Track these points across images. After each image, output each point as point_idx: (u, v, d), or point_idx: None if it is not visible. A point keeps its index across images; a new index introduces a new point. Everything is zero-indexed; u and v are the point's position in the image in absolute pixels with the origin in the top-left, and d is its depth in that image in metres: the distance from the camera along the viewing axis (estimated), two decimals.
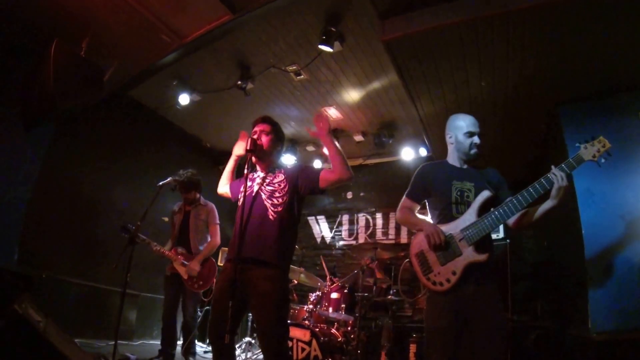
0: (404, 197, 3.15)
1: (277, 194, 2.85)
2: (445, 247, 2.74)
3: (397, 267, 6.79)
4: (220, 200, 3.56)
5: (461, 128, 2.97)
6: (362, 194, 8.46)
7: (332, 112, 6.62)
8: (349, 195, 8.58)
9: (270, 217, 2.77)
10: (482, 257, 2.64)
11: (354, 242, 8.19)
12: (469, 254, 2.67)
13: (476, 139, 2.93)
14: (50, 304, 4.85)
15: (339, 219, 8.56)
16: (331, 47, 4.75)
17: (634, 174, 4.04)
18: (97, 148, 6.01)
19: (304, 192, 2.91)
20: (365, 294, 5.43)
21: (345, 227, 8.47)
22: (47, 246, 5.22)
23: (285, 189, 2.87)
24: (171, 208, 5.37)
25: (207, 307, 6.81)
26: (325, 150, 2.87)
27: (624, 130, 4.17)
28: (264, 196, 2.86)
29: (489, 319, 2.58)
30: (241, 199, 2.77)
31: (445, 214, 2.86)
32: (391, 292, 5.79)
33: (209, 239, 5.09)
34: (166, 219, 6.42)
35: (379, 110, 6.49)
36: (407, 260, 3.15)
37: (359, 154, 8.01)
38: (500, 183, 2.90)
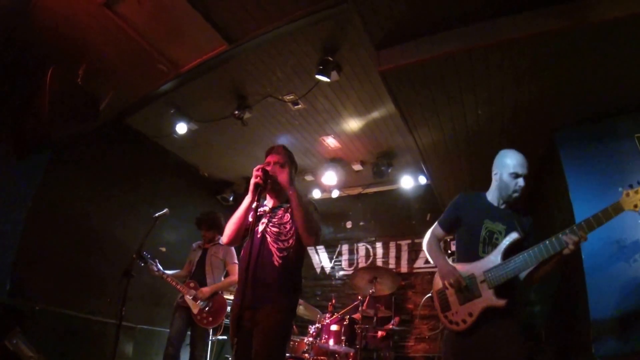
0: (436, 223, 3.11)
1: (282, 237, 2.81)
2: (464, 288, 2.72)
3: (398, 296, 6.70)
4: None
5: (507, 167, 2.86)
6: (361, 223, 8.40)
7: (330, 141, 6.64)
8: (349, 224, 8.52)
9: (275, 262, 2.75)
10: (501, 302, 2.57)
11: (353, 272, 8.09)
12: (488, 298, 2.62)
13: (521, 182, 2.81)
14: (43, 337, 4.75)
15: (338, 249, 8.49)
16: (328, 77, 4.78)
17: None
18: (93, 177, 5.94)
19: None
20: (366, 326, 5.33)
21: (345, 257, 8.39)
22: (40, 277, 5.10)
23: (292, 232, 2.83)
24: (168, 238, 5.34)
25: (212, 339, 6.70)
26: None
27: (621, 154, 4.16)
28: (269, 239, 2.81)
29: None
30: (248, 239, 2.66)
31: (472, 252, 2.81)
32: (392, 322, 5.69)
33: (223, 278, 5.08)
34: (164, 249, 6.37)
35: (377, 139, 6.50)
36: (429, 295, 3.14)
37: (358, 183, 7.99)
38: (530, 232, 2.81)
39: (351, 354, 5.18)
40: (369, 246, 8.19)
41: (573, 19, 3.42)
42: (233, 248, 5.11)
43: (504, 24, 3.64)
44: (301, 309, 5.60)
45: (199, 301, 4.74)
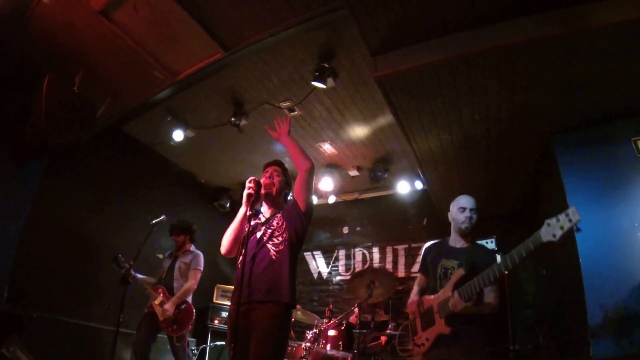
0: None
1: (276, 233, 2.90)
2: (425, 317, 3.23)
3: (396, 300, 6.70)
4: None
5: (456, 203, 3.38)
6: (358, 229, 8.41)
7: (327, 148, 6.65)
8: (345, 230, 8.53)
9: (273, 256, 2.82)
10: (447, 330, 2.99)
11: (351, 277, 8.08)
12: (439, 326, 3.07)
13: (467, 213, 3.27)
14: (41, 345, 4.73)
15: (335, 254, 8.48)
16: (324, 83, 4.80)
17: (628, 200, 4.04)
18: (90, 184, 5.93)
19: (296, 228, 2.94)
20: (364, 331, 5.33)
21: (342, 262, 8.39)
22: (37, 284, 5.09)
23: (284, 227, 2.92)
24: (165, 245, 5.38)
25: (203, 346, 6.70)
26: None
27: (618, 158, 4.20)
28: (265, 238, 2.90)
29: None
30: (244, 244, 2.78)
31: (433, 288, 3.28)
32: (389, 326, 5.69)
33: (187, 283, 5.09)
34: (161, 256, 6.35)
35: (374, 144, 6.52)
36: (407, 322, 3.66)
37: (355, 189, 8.02)
38: (488, 264, 2.96)
39: (349, 358, 5.17)
40: (365, 251, 8.19)
41: (570, 25, 3.46)
42: (201, 255, 5.24)
43: (501, 29, 3.67)
44: (299, 314, 5.60)
45: (165, 308, 4.79)
